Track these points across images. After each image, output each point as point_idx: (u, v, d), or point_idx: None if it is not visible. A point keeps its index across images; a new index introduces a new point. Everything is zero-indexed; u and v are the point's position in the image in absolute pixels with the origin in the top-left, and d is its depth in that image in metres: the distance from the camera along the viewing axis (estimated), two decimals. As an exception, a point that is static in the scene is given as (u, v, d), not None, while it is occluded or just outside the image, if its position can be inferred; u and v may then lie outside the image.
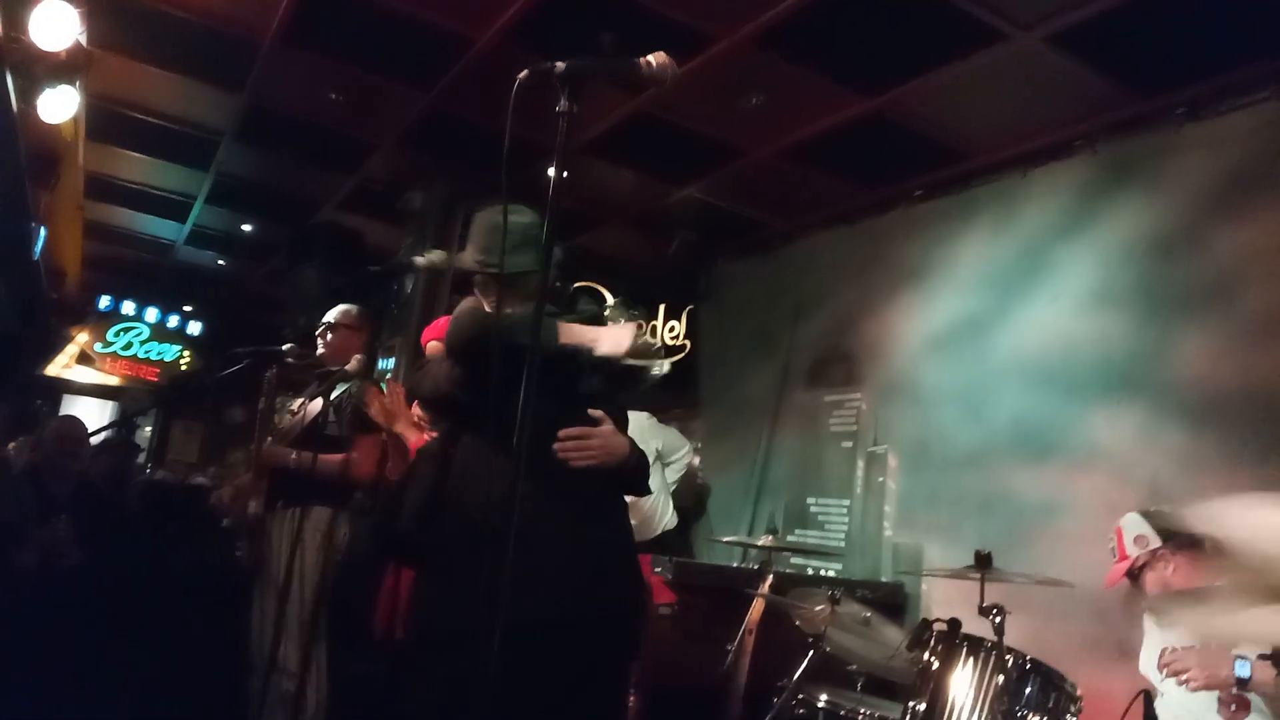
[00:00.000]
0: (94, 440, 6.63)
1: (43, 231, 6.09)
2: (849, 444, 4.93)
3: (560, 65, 1.54)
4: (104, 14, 4.14)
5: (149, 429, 10.32)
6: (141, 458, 8.57)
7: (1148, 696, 2.67)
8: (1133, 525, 2.73)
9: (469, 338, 2.04)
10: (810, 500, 5.04)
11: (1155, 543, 2.67)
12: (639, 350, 2.00)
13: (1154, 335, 3.63)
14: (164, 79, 4.87)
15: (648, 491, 2.18)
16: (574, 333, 2.00)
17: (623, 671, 2.07)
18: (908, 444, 4.61)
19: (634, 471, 2.07)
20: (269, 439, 3.58)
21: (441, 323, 3.38)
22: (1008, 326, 4.26)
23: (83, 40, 4.15)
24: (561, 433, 1.92)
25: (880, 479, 4.69)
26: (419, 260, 2.41)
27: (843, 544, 4.79)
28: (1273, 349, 3.27)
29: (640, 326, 2.09)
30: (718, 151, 4.92)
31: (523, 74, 1.56)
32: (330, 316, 3.70)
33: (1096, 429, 3.73)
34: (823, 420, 5.11)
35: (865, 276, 5.18)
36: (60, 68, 4.13)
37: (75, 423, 4.41)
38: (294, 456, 3.45)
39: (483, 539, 1.77)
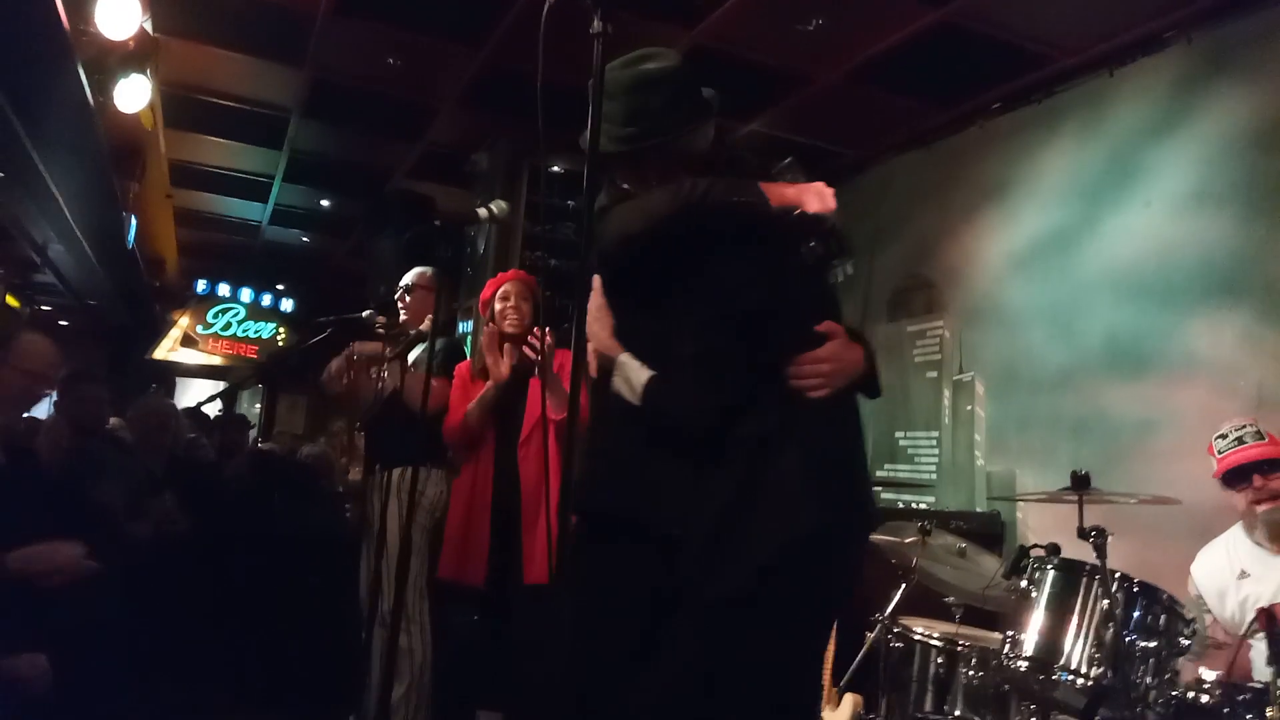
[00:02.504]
0: (208, 411, 7.02)
1: (133, 221, 6.36)
2: (934, 374, 4.79)
3: None
4: (164, -1, 4.25)
5: (258, 405, 10.82)
6: (252, 432, 9.00)
7: (1271, 615, 2.53)
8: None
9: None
10: (899, 434, 4.93)
11: None
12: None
13: (1258, 234, 3.37)
14: (229, 60, 4.99)
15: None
16: (777, 193, 1.64)
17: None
18: (995, 369, 4.44)
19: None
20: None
21: (504, 276, 3.40)
22: (1097, 238, 4.02)
23: (148, 27, 4.27)
24: (792, 367, 1.60)
25: (969, 407, 4.54)
26: (480, 211, 2.39)
27: (934, 476, 4.69)
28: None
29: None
30: (780, 81, 4.76)
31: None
32: (406, 280, 3.76)
33: (1196, 338, 3.51)
34: (906, 351, 4.97)
35: (943, 199, 4.97)
36: (130, 57, 4.25)
37: (159, 400, 4.63)
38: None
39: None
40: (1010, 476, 4.23)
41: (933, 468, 4.71)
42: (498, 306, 3.24)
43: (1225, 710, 2.09)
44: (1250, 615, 2.51)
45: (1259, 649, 2.44)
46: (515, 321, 3.19)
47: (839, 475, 1.59)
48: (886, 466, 4.91)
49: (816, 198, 1.64)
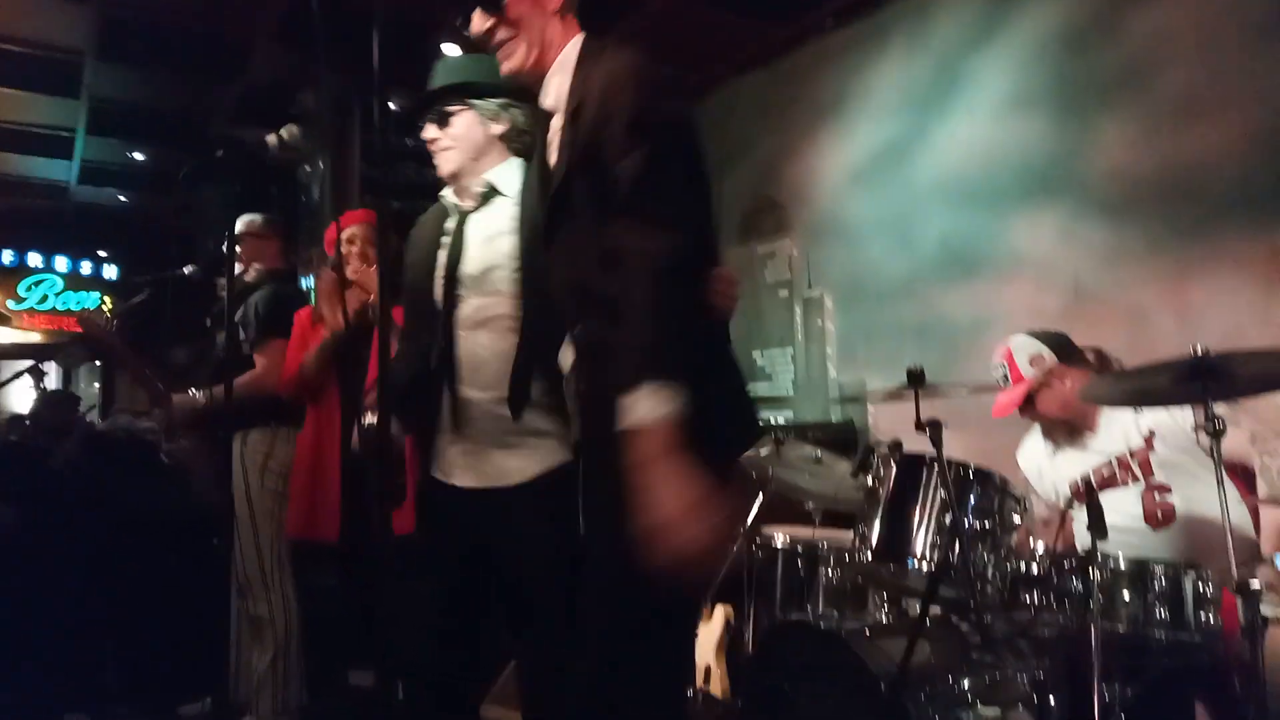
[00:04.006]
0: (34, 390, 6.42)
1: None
2: (785, 292, 4.89)
3: None
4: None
5: (97, 383, 10.00)
6: (92, 409, 8.33)
7: (1088, 486, 2.71)
8: (1025, 346, 2.64)
9: None
10: (755, 353, 5.03)
11: (1051, 360, 2.60)
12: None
13: (1071, 133, 3.56)
14: (3, -2, 4.47)
15: None
16: None
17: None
18: (842, 284, 4.56)
19: None
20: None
21: (350, 217, 3.21)
22: (928, 147, 4.15)
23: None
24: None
25: (819, 322, 4.67)
26: (270, 139, 2.20)
27: (790, 392, 4.82)
28: (1190, 130, 3.21)
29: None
30: (616, 3, 4.64)
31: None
32: (235, 230, 3.50)
33: (1019, 238, 3.69)
34: (758, 272, 5.05)
35: (786, 119, 5.02)
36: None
37: None
38: (200, 398, 3.35)
39: None
40: (860, 385, 4.39)
41: (789, 383, 4.83)
42: (342, 250, 3.06)
43: (1054, 578, 2.23)
44: (1064, 490, 2.69)
45: (1080, 519, 2.63)
46: (358, 268, 3.03)
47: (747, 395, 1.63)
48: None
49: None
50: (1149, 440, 2.56)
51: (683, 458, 1.26)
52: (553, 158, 1.61)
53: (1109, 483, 2.61)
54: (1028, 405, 2.65)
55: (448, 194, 1.99)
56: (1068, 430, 2.70)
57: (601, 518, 1.52)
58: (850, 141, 4.60)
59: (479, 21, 1.61)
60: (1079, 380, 2.57)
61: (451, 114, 1.93)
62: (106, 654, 3.74)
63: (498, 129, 1.95)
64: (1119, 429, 2.61)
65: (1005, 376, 2.66)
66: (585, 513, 1.59)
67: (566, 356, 1.64)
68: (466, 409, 1.87)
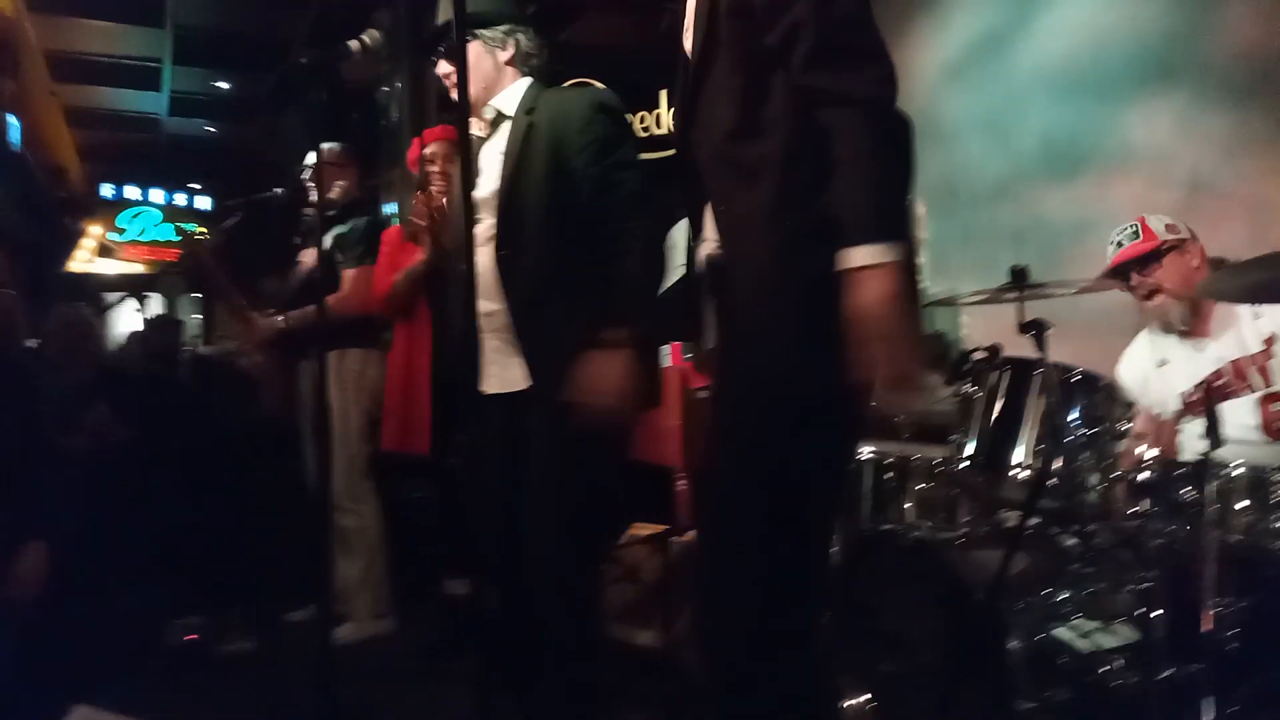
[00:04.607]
0: (126, 318, 6.75)
1: (16, 122, 5.89)
2: (874, 199, 4.69)
3: None
4: None
5: (196, 314, 10.43)
6: (196, 337, 8.72)
7: (1207, 392, 2.55)
8: (1161, 216, 2.55)
9: None
10: (840, 267, 4.87)
11: (1186, 233, 2.51)
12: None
13: (1192, 10, 3.25)
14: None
15: None
16: None
17: None
18: (935, 187, 4.33)
19: None
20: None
21: (429, 134, 3.20)
22: (1030, 36, 3.87)
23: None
24: None
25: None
26: (352, 44, 2.20)
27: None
28: (1329, 2, 2.90)
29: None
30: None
31: None
32: (313, 158, 3.54)
33: (1131, 129, 3.42)
34: (844, 179, 4.85)
35: (877, 13, 4.73)
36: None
37: (76, 311, 4.41)
38: (282, 321, 3.45)
39: None
40: (953, 294, 4.20)
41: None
42: (425, 170, 3.08)
43: (1164, 487, 2.11)
44: (1169, 402, 2.54)
45: (1188, 430, 2.49)
46: (443, 187, 3.03)
47: None
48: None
49: None
50: (1269, 344, 2.39)
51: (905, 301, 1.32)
52: (689, 41, 1.59)
53: (1224, 391, 2.45)
54: (1148, 270, 2.50)
55: (473, 125, 2.06)
56: (1180, 321, 2.54)
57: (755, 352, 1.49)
58: (945, 34, 4.32)
59: None
60: (1204, 266, 2.45)
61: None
62: (215, 563, 3.95)
63: (505, 55, 2.05)
64: (1235, 333, 2.46)
65: (1135, 233, 2.54)
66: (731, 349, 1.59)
67: (708, 242, 1.59)
68: (487, 321, 2.01)
